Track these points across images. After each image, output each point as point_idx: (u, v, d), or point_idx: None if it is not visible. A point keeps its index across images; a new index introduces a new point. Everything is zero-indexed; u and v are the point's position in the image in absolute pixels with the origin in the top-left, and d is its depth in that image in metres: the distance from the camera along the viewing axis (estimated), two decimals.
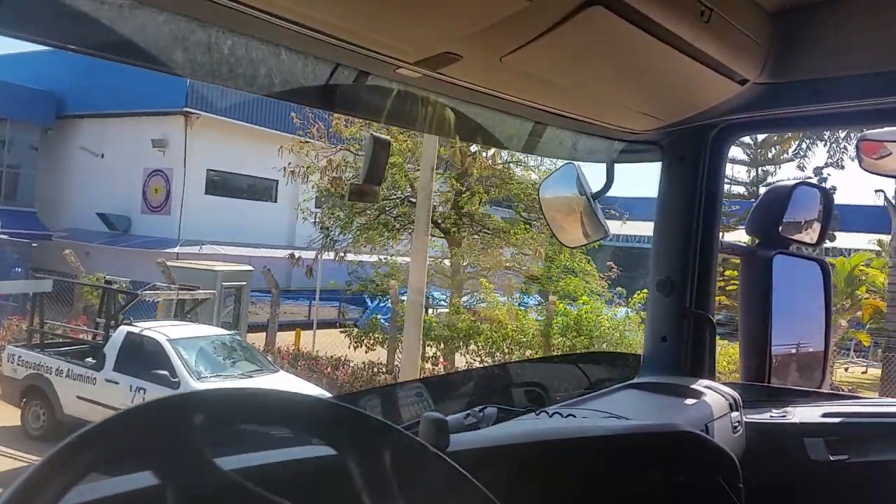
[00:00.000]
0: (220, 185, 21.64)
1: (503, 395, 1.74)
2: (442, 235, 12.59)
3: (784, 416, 1.63)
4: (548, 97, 1.25)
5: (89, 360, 9.35)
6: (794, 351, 1.93)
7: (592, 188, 1.67)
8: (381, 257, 13.69)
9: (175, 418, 0.58)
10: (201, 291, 11.69)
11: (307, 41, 0.89)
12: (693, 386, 1.52)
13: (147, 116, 20.22)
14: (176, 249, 19.03)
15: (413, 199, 12.00)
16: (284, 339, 12.88)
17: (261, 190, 22.44)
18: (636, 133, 1.55)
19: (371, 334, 12.16)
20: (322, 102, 1.04)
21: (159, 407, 0.58)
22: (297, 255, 13.75)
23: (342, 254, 13.45)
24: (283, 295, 14.60)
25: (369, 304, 18.88)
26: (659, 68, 1.16)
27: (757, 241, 1.86)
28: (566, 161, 1.62)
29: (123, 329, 9.07)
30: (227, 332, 10.54)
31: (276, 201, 22.54)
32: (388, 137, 1.14)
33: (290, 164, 12.94)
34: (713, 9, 1.04)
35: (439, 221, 12.19)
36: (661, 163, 1.63)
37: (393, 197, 12.68)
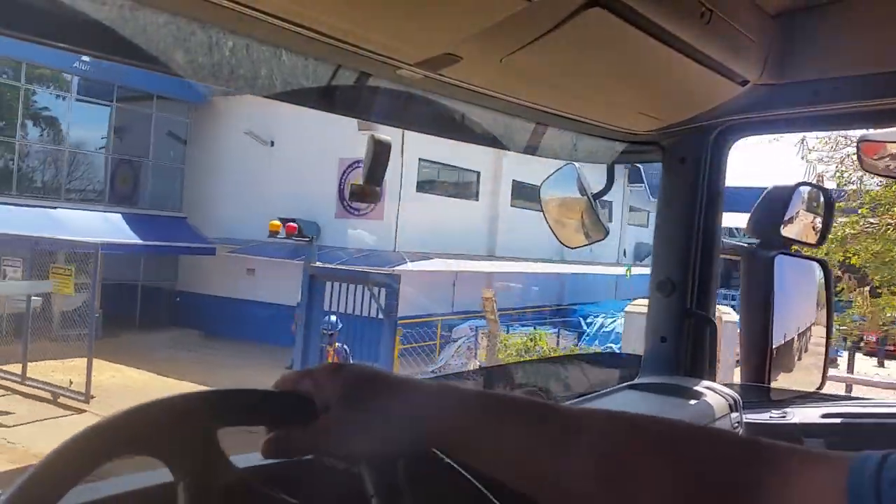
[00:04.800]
0: (430, 179, 16.74)
1: None
2: None
3: (784, 416, 1.64)
4: (548, 98, 1.25)
5: None
6: (794, 352, 1.93)
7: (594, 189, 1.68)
8: None
9: (190, 415, 0.58)
10: None
11: (308, 43, 0.89)
12: (693, 386, 1.52)
13: None
14: (408, 266, 14.20)
15: None
16: None
17: (464, 185, 17.69)
18: (637, 134, 1.56)
19: None
20: (323, 104, 1.04)
21: (173, 403, 0.58)
22: None
23: None
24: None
25: (584, 326, 14.67)
26: (659, 69, 1.16)
27: (758, 242, 1.86)
28: (566, 161, 1.63)
29: None
30: None
31: (478, 199, 18.10)
32: (389, 138, 1.14)
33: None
34: (713, 10, 1.04)
35: None
36: (662, 164, 1.64)
37: None
